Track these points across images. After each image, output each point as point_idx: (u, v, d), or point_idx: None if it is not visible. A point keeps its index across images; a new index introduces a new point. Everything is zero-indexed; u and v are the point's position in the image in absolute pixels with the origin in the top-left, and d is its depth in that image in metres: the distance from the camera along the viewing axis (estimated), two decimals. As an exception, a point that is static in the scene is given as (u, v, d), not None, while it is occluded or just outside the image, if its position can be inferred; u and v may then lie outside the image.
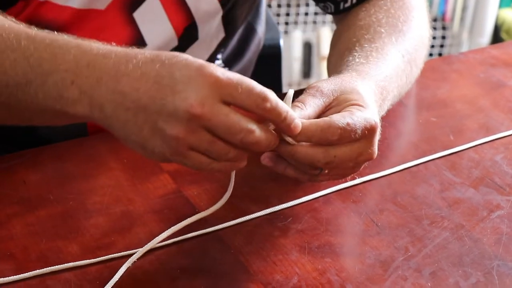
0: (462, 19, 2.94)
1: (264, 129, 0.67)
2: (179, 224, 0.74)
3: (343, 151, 0.71)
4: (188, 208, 0.78)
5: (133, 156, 0.86)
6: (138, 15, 0.93)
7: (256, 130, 0.66)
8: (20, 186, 0.81)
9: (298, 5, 2.74)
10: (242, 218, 0.77)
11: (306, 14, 2.75)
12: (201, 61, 0.66)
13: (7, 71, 0.72)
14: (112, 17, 0.92)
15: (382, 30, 0.89)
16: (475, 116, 0.96)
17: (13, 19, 0.76)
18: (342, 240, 0.76)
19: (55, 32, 0.73)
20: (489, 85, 1.02)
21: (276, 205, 0.79)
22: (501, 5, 2.92)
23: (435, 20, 2.87)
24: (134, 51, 0.69)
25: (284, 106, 0.68)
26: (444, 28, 2.93)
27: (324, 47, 2.70)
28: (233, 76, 0.66)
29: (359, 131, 0.71)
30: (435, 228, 0.77)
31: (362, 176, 0.83)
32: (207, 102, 0.64)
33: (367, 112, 0.73)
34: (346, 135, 0.70)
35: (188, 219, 0.75)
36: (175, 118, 0.65)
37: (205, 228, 0.76)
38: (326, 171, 0.73)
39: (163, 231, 0.74)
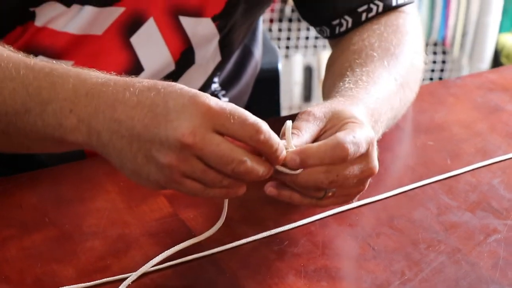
0: (462, 44, 2.95)
1: (256, 159, 0.67)
2: (173, 248, 0.74)
3: (346, 168, 0.71)
4: (184, 231, 0.78)
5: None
6: (135, 40, 0.94)
7: (248, 161, 0.67)
8: (16, 209, 0.81)
9: (298, 29, 2.75)
10: (238, 241, 0.77)
11: (307, 38, 2.76)
12: (195, 91, 0.67)
13: (6, 100, 0.73)
14: (109, 42, 0.93)
15: (374, 54, 0.90)
16: (473, 140, 0.96)
17: (11, 49, 0.77)
18: (339, 263, 0.75)
19: (54, 61, 0.74)
20: (486, 109, 1.02)
21: (272, 228, 0.79)
22: (501, 30, 2.93)
23: (435, 44, 2.89)
24: (132, 80, 0.70)
25: (276, 138, 0.68)
26: (444, 53, 2.94)
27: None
28: (226, 105, 0.66)
29: (364, 146, 0.72)
30: (431, 252, 0.77)
31: (358, 199, 0.83)
32: (199, 131, 0.65)
33: (364, 127, 0.73)
34: (355, 150, 0.70)
35: (182, 243, 0.75)
36: (167, 147, 0.66)
37: (200, 252, 0.75)
38: (330, 194, 0.73)
39: (159, 254, 0.74)
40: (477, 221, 0.81)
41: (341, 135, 0.71)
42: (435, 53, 2.88)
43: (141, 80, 0.70)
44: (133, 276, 0.72)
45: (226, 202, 0.74)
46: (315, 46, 2.77)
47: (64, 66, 0.73)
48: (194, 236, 0.77)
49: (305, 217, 0.81)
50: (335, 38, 1.01)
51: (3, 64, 0.74)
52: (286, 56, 2.73)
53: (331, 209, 0.82)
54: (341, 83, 0.85)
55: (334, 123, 0.74)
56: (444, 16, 2.88)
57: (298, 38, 2.76)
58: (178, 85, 0.68)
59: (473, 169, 0.90)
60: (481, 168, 0.90)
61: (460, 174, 0.89)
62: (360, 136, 0.71)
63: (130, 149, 0.68)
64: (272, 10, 2.69)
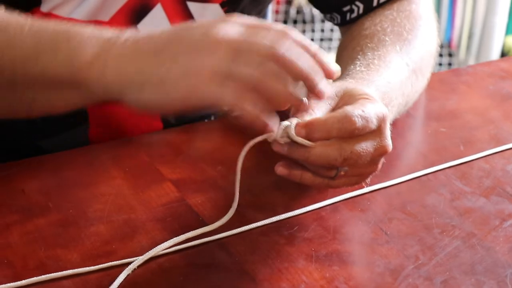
0: (468, 46, 2.93)
1: None
2: (182, 235, 0.72)
3: (359, 144, 0.69)
4: (192, 216, 0.76)
5: (135, 164, 0.84)
6: (142, 26, 0.92)
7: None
8: (19, 194, 0.79)
9: (304, 31, 2.74)
10: (247, 226, 0.75)
11: (312, 39, 2.74)
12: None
13: (15, 46, 0.71)
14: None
15: (387, 39, 0.88)
16: (486, 127, 0.94)
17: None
18: (350, 248, 0.73)
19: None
20: (499, 97, 1.00)
21: (281, 214, 0.77)
22: (508, 32, 2.92)
23: (441, 47, 2.87)
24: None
25: None
26: (450, 55, 2.93)
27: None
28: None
29: (374, 121, 0.70)
30: (446, 236, 0.75)
31: (369, 184, 0.81)
32: (236, 24, 0.67)
33: (376, 103, 0.71)
34: (364, 124, 0.69)
35: (193, 231, 0.73)
36: (216, 23, 0.67)
37: (209, 236, 0.73)
38: (343, 173, 0.71)
39: (166, 240, 0.72)
40: (492, 206, 0.79)
41: (349, 108, 0.69)
42: (441, 55, 2.87)
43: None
44: (140, 260, 0.69)
45: (237, 188, 0.73)
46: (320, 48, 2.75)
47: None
48: (202, 221, 0.75)
49: (315, 202, 0.79)
50: (346, 25, 0.99)
51: (12, 17, 0.73)
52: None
53: (341, 193, 0.80)
54: (352, 66, 0.83)
55: (346, 101, 0.72)
56: (450, 17, 2.86)
57: (303, 40, 2.74)
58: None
59: (486, 155, 0.88)
60: (494, 154, 0.88)
61: (473, 160, 0.87)
62: (370, 110, 0.70)
63: (170, 49, 0.67)
64: (277, 12, 2.68)
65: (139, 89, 0.67)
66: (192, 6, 0.93)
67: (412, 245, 0.73)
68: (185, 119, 0.99)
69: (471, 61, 2.87)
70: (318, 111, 0.71)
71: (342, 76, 0.82)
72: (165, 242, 0.71)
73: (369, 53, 0.85)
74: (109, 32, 0.70)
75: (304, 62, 0.66)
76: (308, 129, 0.68)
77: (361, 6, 0.97)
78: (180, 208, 0.77)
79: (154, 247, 0.71)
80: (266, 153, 0.86)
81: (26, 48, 0.70)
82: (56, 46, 0.69)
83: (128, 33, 0.69)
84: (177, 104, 0.67)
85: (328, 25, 2.73)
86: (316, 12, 2.70)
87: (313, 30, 2.73)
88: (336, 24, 1.02)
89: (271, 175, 0.81)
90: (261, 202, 0.79)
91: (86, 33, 0.70)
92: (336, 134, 0.68)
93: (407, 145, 0.91)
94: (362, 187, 0.81)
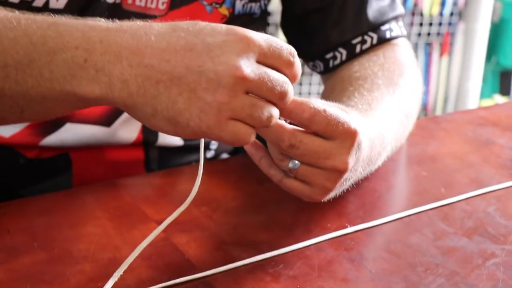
0: (443, 109, 2.98)
1: None
2: (143, 242, 0.72)
3: (311, 139, 0.71)
4: (177, 255, 0.76)
5: (120, 206, 0.84)
6: None
7: (289, 81, 0.67)
8: (4, 234, 0.79)
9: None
10: (233, 264, 0.75)
11: (300, 94, 2.77)
12: (225, 25, 0.65)
13: (5, 50, 0.65)
14: None
15: (380, 82, 0.90)
16: (466, 170, 0.95)
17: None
18: (335, 285, 0.74)
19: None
20: (478, 143, 1.02)
21: (267, 252, 0.77)
22: (482, 96, 2.97)
23: (417, 110, 2.91)
24: (145, 23, 0.66)
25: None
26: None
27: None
28: (262, 35, 0.66)
29: (332, 125, 0.70)
30: (429, 274, 0.75)
31: (353, 224, 0.82)
32: (248, 63, 0.64)
33: (349, 117, 0.72)
34: (318, 120, 0.70)
35: (151, 234, 0.73)
36: (217, 84, 0.63)
37: (194, 274, 0.73)
38: (294, 169, 0.73)
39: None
40: (475, 246, 0.80)
41: (314, 101, 0.71)
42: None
43: (156, 24, 0.66)
44: (126, 295, 0.69)
45: (199, 177, 0.72)
46: (309, 93, 2.78)
47: (67, 18, 0.67)
48: (188, 259, 0.75)
49: (300, 241, 0.79)
50: (329, 72, 1.01)
51: (2, 15, 0.67)
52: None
53: (326, 233, 0.80)
54: (352, 103, 0.84)
55: None
56: (425, 81, 2.91)
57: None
58: (201, 22, 0.65)
59: (468, 198, 0.89)
60: (476, 196, 0.89)
61: (455, 202, 0.88)
62: (336, 115, 0.71)
63: (168, 95, 0.63)
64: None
65: (151, 115, 0.66)
66: None
67: (397, 282, 0.74)
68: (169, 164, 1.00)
69: (447, 124, 2.91)
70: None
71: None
72: (128, 258, 0.71)
73: (365, 93, 0.86)
74: (114, 34, 0.65)
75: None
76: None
77: (344, 52, 0.99)
78: (165, 248, 0.77)
79: (140, 284, 0.71)
80: (251, 194, 0.87)
81: (17, 54, 0.66)
82: (50, 57, 0.65)
83: (127, 52, 0.64)
84: (188, 136, 0.67)
85: (315, 78, 2.75)
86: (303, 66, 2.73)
87: (300, 84, 2.76)
88: (319, 72, 1.04)
89: (257, 215, 0.82)
90: (246, 241, 0.79)
91: (79, 40, 0.65)
92: (287, 116, 0.70)
93: (390, 188, 0.92)
94: (345, 227, 0.81)
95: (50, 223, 0.81)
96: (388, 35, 0.99)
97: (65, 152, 0.96)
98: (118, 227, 0.81)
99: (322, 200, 0.77)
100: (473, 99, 2.91)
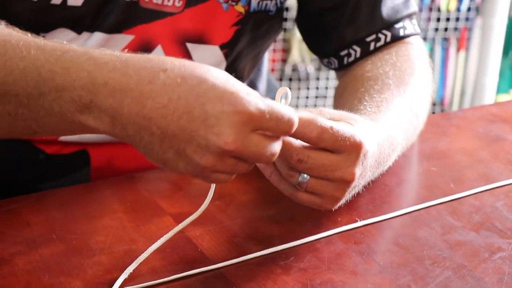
0: (460, 104, 2.98)
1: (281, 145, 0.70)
2: (161, 239, 0.76)
3: (319, 154, 0.72)
4: (191, 247, 0.79)
5: (136, 199, 0.87)
6: None
7: (278, 151, 0.69)
8: (24, 227, 0.81)
9: (299, 88, 2.79)
10: (244, 256, 0.77)
11: (307, 97, 2.79)
12: (232, 90, 0.65)
13: (16, 81, 0.69)
14: None
15: (390, 82, 0.91)
16: (475, 166, 0.97)
17: (20, 30, 0.74)
18: (344, 277, 0.76)
19: (65, 42, 0.71)
20: (488, 139, 1.04)
21: (278, 245, 0.79)
22: (498, 91, 2.97)
23: (434, 104, 2.92)
24: (152, 64, 0.67)
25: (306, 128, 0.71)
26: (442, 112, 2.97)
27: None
28: (265, 107, 0.66)
29: (340, 141, 0.72)
30: (437, 267, 0.77)
31: (363, 218, 0.84)
32: (239, 136, 0.65)
33: (355, 130, 0.74)
34: (326, 138, 0.71)
35: (169, 233, 0.76)
36: (205, 149, 0.65)
37: (207, 265, 0.76)
38: (304, 184, 0.74)
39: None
40: (482, 240, 0.82)
41: (321, 118, 0.72)
42: (433, 112, 2.92)
43: (164, 65, 0.67)
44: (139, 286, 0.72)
45: (213, 185, 0.75)
46: (315, 105, 2.80)
47: (75, 48, 0.69)
48: (201, 251, 0.77)
49: (310, 235, 0.81)
50: (343, 69, 1.03)
51: (13, 41, 0.70)
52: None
53: (336, 227, 0.82)
54: (361, 106, 0.86)
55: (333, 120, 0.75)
56: (442, 77, 2.92)
57: (298, 98, 2.79)
58: (209, 80, 0.66)
59: (476, 193, 0.91)
60: (484, 192, 0.91)
61: (464, 197, 0.90)
62: (343, 131, 0.73)
63: (160, 145, 0.66)
64: (273, 70, 2.73)
65: (144, 154, 0.69)
66: (191, 47, 0.96)
67: (405, 275, 0.76)
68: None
69: (464, 119, 2.92)
70: (300, 114, 0.74)
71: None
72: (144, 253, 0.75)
73: (375, 95, 0.88)
74: (118, 77, 0.67)
75: None
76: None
77: (358, 50, 1.00)
78: (179, 240, 0.80)
79: (155, 276, 0.73)
80: (262, 189, 0.89)
81: (27, 86, 0.69)
82: (58, 93, 0.68)
83: (129, 99, 0.66)
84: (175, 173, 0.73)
85: (322, 83, 2.78)
86: (311, 70, 2.75)
87: (308, 88, 2.78)
88: (334, 69, 1.05)
89: (269, 209, 0.84)
90: (258, 235, 0.81)
91: (85, 80, 0.68)
92: (296, 135, 0.72)
93: (400, 183, 0.94)
94: (355, 221, 0.83)
95: (68, 216, 0.84)
96: (401, 33, 1.01)
97: (83, 148, 0.98)
98: (134, 220, 0.83)
99: (333, 209, 0.80)
100: (489, 94, 2.92)
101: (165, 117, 0.65)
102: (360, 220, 0.84)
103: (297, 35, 2.65)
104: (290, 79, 2.77)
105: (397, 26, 1.01)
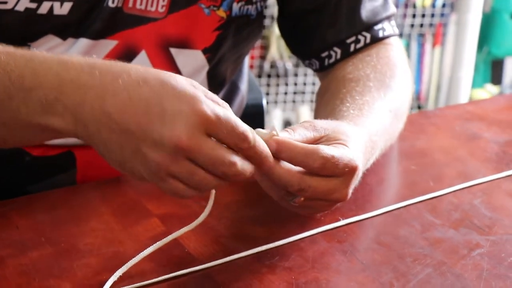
0: (436, 98, 3.01)
1: (243, 160, 0.70)
2: (152, 246, 0.77)
3: (319, 182, 0.74)
4: (178, 248, 0.80)
5: (123, 202, 0.88)
6: None
7: (238, 162, 0.69)
8: (13, 230, 0.83)
9: (277, 85, 2.80)
10: (230, 256, 0.79)
11: (286, 93, 2.81)
12: (191, 92, 0.68)
13: None
14: None
15: (371, 84, 0.93)
16: (453, 164, 0.99)
17: None
18: (329, 276, 0.78)
19: (34, 49, 0.74)
20: (465, 137, 1.06)
21: (263, 245, 0.81)
22: (474, 85, 3.01)
23: (410, 99, 2.95)
24: (118, 67, 0.70)
25: (262, 147, 0.71)
26: (419, 107, 3.00)
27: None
28: (221, 113, 0.68)
29: (340, 168, 0.74)
30: (418, 265, 0.79)
31: (345, 217, 0.86)
32: (194, 135, 0.67)
33: (352, 153, 0.76)
34: (328, 167, 0.73)
35: (162, 240, 0.77)
36: (160, 146, 0.67)
37: (194, 266, 0.77)
38: (297, 200, 0.76)
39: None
40: (461, 237, 0.84)
41: (323, 147, 0.74)
42: (410, 107, 2.94)
43: (129, 69, 0.70)
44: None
45: (213, 193, 0.76)
46: (294, 101, 2.82)
47: (45, 54, 0.72)
48: (188, 252, 0.79)
49: (294, 234, 0.83)
50: (324, 70, 1.05)
51: None
52: (266, 111, 2.77)
53: (319, 226, 0.84)
54: (344, 108, 0.88)
55: (328, 139, 0.77)
56: (418, 71, 2.95)
57: (277, 94, 2.81)
58: (171, 81, 0.68)
59: (454, 191, 0.93)
60: (462, 189, 0.93)
61: (443, 195, 0.92)
62: (342, 157, 0.74)
63: (118, 142, 0.69)
64: (252, 67, 2.75)
65: (104, 155, 0.72)
66: (175, 52, 0.98)
67: (387, 272, 0.78)
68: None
69: (440, 114, 2.95)
70: (297, 135, 0.76)
71: (334, 115, 0.87)
72: (135, 257, 0.76)
73: (357, 97, 0.90)
74: (85, 76, 0.70)
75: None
76: (279, 147, 0.73)
77: (338, 51, 1.02)
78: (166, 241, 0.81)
79: (143, 277, 0.75)
80: (247, 189, 0.91)
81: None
82: (26, 94, 0.70)
83: (93, 96, 0.69)
84: (136, 180, 0.74)
85: (300, 79, 2.81)
86: (289, 66, 2.76)
87: (286, 84, 2.79)
88: (315, 70, 1.07)
89: (253, 209, 0.86)
90: (243, 235, 0.83)
91: (52, 80, 0.70)
92: (297, 163, 0.73)
93: (380, 181, 0.96)
94: (338, 220, 0.85)
95: (56, 218, 0.85)
96: (381, 34, 1.03)
97: (69, 150, 0.99)
98: (121, 222, 0.85)
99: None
100: (465, 89, 2.95)
101: (124, 112, 0.68)
102: (343, 219, 0.86)
103: (275, 32, 2.66)
104: (269, 76, 2.79)
105: (376, 27, 1.03)
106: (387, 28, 1.04)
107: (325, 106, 0.93)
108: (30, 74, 0.70)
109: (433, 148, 1.03)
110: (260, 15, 1.04)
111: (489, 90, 2.96)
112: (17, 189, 0.99)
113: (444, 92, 2.98)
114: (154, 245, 0.77)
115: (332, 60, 1.03)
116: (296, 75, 2.79)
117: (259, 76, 2.77)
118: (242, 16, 1.00)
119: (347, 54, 1.02)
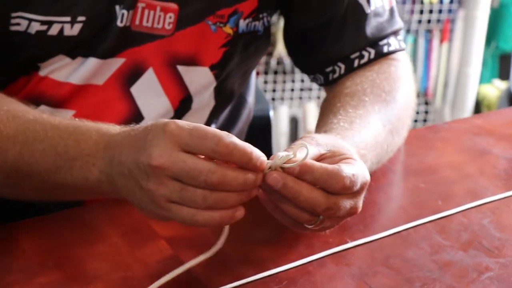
0: (444, 94, 3.00)
1: (231, 168, 0.70)
2: (163, 277, 0.77)
3: (342, 200, 0.75)
4: (185, 272, 0.80)
5: (130, 223, 0.88)
6: (135, 89, 0.97)
7: (218, 170, 0.69)
8: (20, 254, 0.82)
9: (284, 81, 2.79)
10: (238, 281, 0.79)
11: (292, 90, 2.80)
12: (168, 121, 0.71)
13: (38, 161, 0.80)
14: (110, 92, 0.96)
15: (366, 99, 0.93)
16: (462, 182, 0.99)
17: (33, 108, 0.85)
18: (337, 302, 0.77)
19: (76, 119, 0.81)
20: (474, 153, 1.06)
21: (271, 268, 0.81)
22: (481, 81, 2.99)
23: (417, 95, 2.93)
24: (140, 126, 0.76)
25: (245, 147, 0.70)
26: (426, 103, 2.99)
27: (310, 122, 2.75)
28: (187, 125, 0.70)
29: (358, 186, 0.75)
30: (427, 289, 0.79)
31: (354, 240, 0.85)
32: (165, 153, 0.69)
33: (362, 167, 0.77)
34: (349, 186, 0.73)
35: (174, 271, 0.77)
36: (145, 173, 0.70)
37: (202, 292, 0.77)
38: (318, 223, 0.76)
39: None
40: (470, 260, 0.84)
41: (344, 167, 0.74)
42: (418, 103, 2.93)
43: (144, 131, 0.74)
44: (138, 316, 0.73)
45: (226, 228, 0.76)
46: (300, 98, 2.81)
47: (86, 123, 0.80)
48: (196, 277, 0.79)
49: (303, 257, 0.82)
50: (329, 85, 1.04)
51: (31, 127, 0.80)
52: (272, 108, 2.76)
53: (328, 249, 0.84)
54: (335, 120, 0.88)
55: (333, 154, 0.77)
56: (425, 67, 2.93)
57: (283, 90, 2.80)
58: (163, 120, 0.72)
59: (464, 210, 0.92)
60: (471, 208, 0.93)
61: (452, 214, 0.91)
62: (359, 175, 0.75)
63: (131, 186, 0.73)
64: (258, 63, 2.73)
65: (131, 202, 0.77)
66: (182, 69, 0.97)
67: (396, 298, 0.78)
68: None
69: (447, 109, 2.94)
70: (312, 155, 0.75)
71: (325, 127, 0.87)
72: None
73: (350, 110, 0.90)
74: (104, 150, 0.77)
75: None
76: (303, 168, 0.72)
77: (342, 66, 1.02)
78: (174, 265, 0.80)
79: (151, 303, 0.75)
80: (255, 210, 0.90)
81: (47, 164, 0.80)
82: (71, 163, 0.79)
83: (115, 153, 0.76)
84: (155, 219, 0.78)
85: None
86: (295, 63, 2.75)
87: (293, 81, 2.78)
88: (320, 85, 1.07)
89: (259, 231, 0.85)
90: (252, 257, 0.83)
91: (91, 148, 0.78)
92: (321, 185, 0.73)
93: (388, 200, 0.96)
94: (346, 242, 0.85)
95: (63, 241, 0.85)
96: (385, 49, 1.02)
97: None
98: (128, 245, 0.84)
99: None
100: (473, 84, 2.93)
101: (127, 156, 0.73)
102: (351, 241, 0.85)
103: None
104: (275, 72, 2.78)
105: (381, 43, 1.03)
106: (392, 43, 1.03)
107: (320, 120, 0.93)
108: (73, 144, 0.79)
109: (441, 164, 1.03)
110: (267, 30, 1.04)
111: (497, 85, 2.95)
112: (25, 208, 0.99)
113: (451, 88, 2.96)
114: (166, 276, 0.77)
115: (336, 75, 1.03)
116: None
117: (266, 72, 2.76)
118: (249, 32, 1.00)
119: (350, 69, 1.02)
